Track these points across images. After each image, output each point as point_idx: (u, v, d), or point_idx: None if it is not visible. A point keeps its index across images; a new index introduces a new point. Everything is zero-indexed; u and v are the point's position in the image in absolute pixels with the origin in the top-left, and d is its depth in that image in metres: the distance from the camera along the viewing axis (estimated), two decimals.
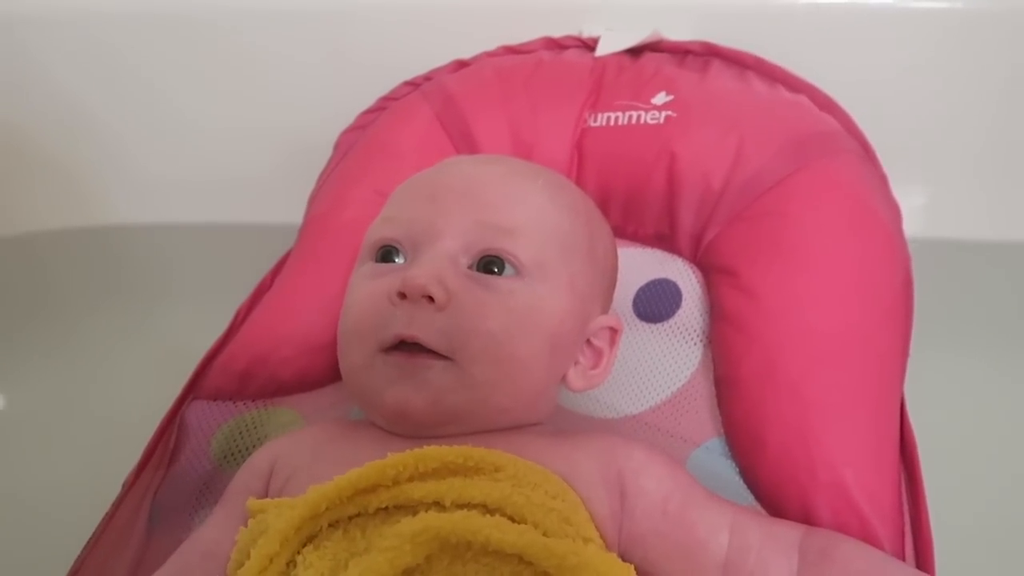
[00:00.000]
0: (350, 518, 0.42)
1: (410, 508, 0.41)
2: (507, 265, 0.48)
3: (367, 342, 0.48)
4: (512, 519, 0.40)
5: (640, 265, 0.65)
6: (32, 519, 0.72)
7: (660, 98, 0.66)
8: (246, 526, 0.45)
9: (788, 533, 0.46)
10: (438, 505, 0.40)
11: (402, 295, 0.46)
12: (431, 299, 0.45)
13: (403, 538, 0.37)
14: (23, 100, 0.85)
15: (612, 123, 0.66)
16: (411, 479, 0.42)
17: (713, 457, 0.55)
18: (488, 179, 0.52)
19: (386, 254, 0.51)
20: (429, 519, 0.38)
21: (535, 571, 0.38)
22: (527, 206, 0.51)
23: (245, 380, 0.61)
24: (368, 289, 0.49)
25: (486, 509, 0.40)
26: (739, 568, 0.44)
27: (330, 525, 0.41)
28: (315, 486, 0.41)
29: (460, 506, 0.40)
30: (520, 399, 0.49)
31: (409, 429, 0.47)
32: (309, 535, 0.41)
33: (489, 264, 0.48)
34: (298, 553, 0.41)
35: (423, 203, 0.51)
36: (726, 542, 0.45)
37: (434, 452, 0.42)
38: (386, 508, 0.41)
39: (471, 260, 0.48)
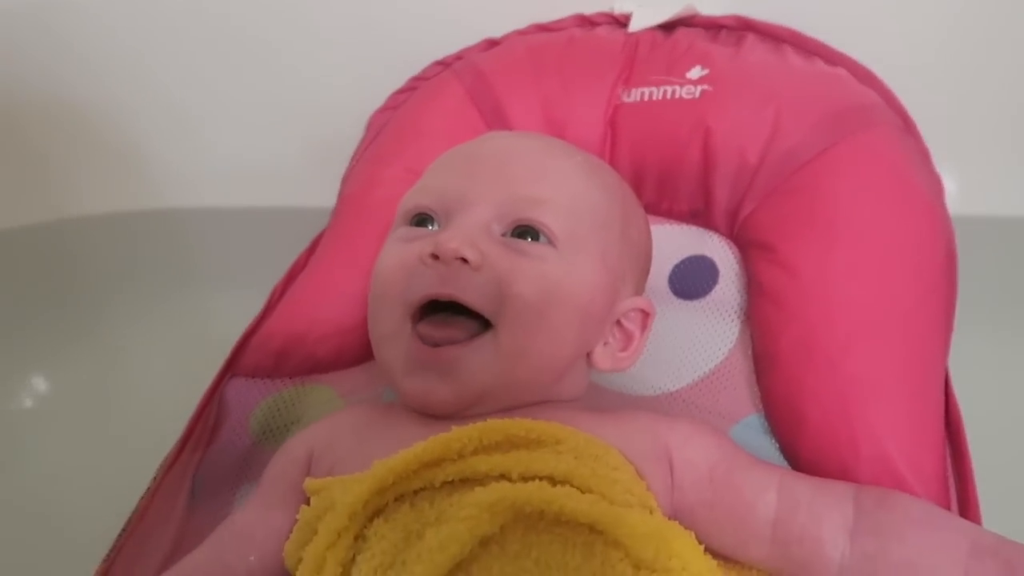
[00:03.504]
0: (415, 492, 0.42)
1: (476, 481, 0.41)
2: (540, 235, 0.48)
3: (396, 305, 0.48)
4: (579, 490, 0.40)
5: (675, 242, 0.65)
6: (75, 499, 0.73)
7: (695, 72, 0.65)
8: (283, 511, 0.46)
9: (840, 487, 0.47)
10: (504, 477, 0.41)
11: (435, 256, 0.46)
12: (464, 261, 0.45)
13: (481, 507, 0.38)
14: (51, 88, 0.86)
15: (646, 98, 0.66)
16: (475, 452, 0.42)
17: (752, 433, 0.55)
18: (524, 152, 0.52)
19: (420, 221, 0.51)
20: (504, 489, 0.39)
21: (606, 540, 0.38)
22: (562, 179, 0.51)
23: (282, 358, 0.61)
24: (399, 251, 0.49)
25: (553, 481, 0.40)
26: (789, 523, 0.44)
27: (396, 499, 0.42)
28: (380, 461, 0.42)
29: (526, 478, 0.40)
30: (544, 372, 0.48)
31: (431, 413, 0.48)
32: (376, 509, 0.42)
33: (522, 233, 0.48)
34: (365, 527, 0.41)
35: (458, 174, 0.51)
36: (774, 500, 0.45)
37: (497, 425, 0.43)
38: (451, 481, 0.41)
39: (504, 229, 0.48)
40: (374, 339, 0.51)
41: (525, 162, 0.51)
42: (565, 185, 0.50)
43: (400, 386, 0.48)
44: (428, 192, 0.51)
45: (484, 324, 0.46)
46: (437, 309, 0.47)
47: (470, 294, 0.45)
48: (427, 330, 0.47)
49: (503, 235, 0.48)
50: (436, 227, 0.50)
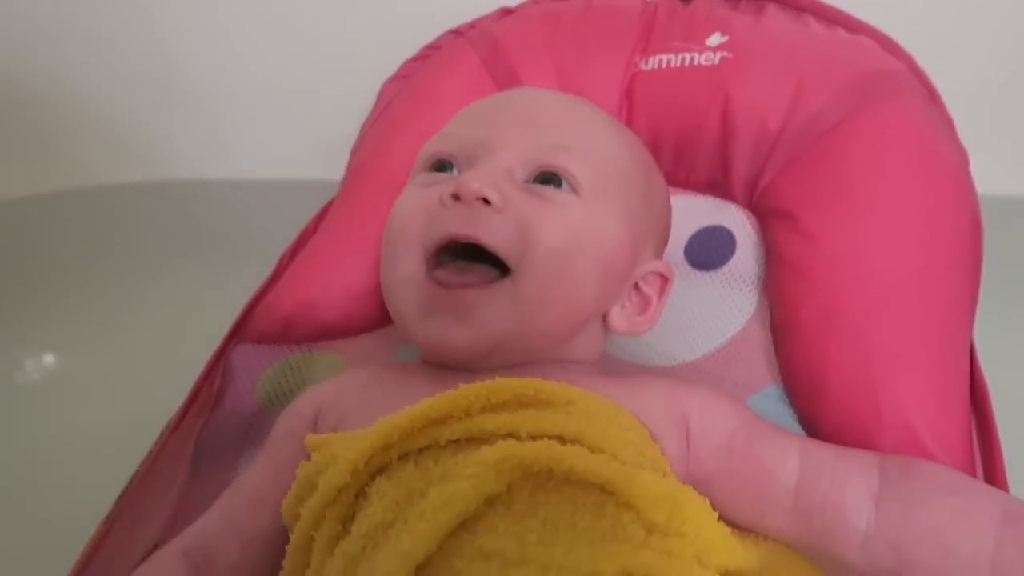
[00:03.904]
0: (420, 450, 0.40)
1: (483, 440, 0.39)
2: (563, 181, 0.47)
3: (413, 249, 0.46)
4: (590, 450, 0.38)
5: (692, 212, 0.63)
6: (80, 467, 0.72)
7: (715, 39, 0.64)
8: (292, 470, 0.44)
9: (864, 455, 0.45)
10: (512, 436, 0.39)
11: (455, 197, 0.44)
12: (486, 203, 0.44)
13: (486, 465, 0.37)
14: (63, 58, 0.86)
15: (664, 66, 0.64)
16: (483, 411, 0.40)
17: (770, 403, 0.54)
18: (550, 103, 0.51)
19: (440, 167, 0.49)
20: (511, 447, 0.37)
21: (617, 501, 0.37)
22: (588, 130, 0.50)
23: (289, 324, 0.60)
24: (418, 195, 0.48)
25: (563, 440, 0.39)
26: (812, 491, 0.43)
27: (399, 457, 0.40)
28: (384, 418, 0.40)
29: (535, 437, 0.39)
30: (562, 323, 0.47)
31: (446, 361, 0.46)
32: (379, 467, 0.40)
33: (546, 179, 0.47)
34: (367, 485, 0.40)
35: (482, 121, 0.50)
36: (796, 467, 0.44)
37: (505, 384, 0.41)
38: (458, 440, 0.40)
39: (528, 175, 0.47)
40: (387, 285, 0.49)
41: (551, 112, 0.50)
42: (591, 136, 0.49)
43: (415, 332, 0.47)
44: (450, 138, 0.50)
45: (502, 273, 0.45)
46: (454, 258, 0.46)
47: (492, 236, 0.44)
48: (444, 275, 0.45)
49: (526, 182, 0.47)
50: (457, 172, 0.49)
